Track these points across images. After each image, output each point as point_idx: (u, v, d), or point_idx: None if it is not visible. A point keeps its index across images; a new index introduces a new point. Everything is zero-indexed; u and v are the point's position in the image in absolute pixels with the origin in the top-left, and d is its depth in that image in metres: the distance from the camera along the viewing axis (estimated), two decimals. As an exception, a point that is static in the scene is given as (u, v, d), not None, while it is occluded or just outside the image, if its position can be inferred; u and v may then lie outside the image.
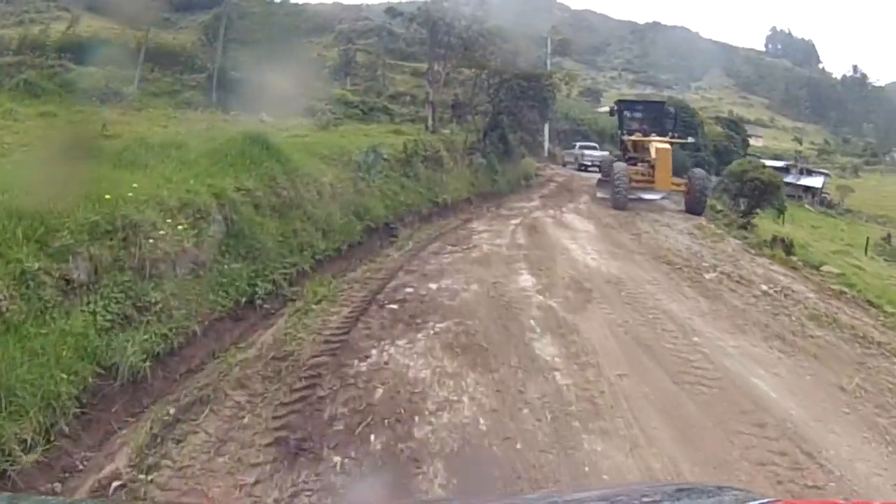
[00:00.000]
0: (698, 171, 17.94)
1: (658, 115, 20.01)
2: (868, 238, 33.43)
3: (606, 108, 66.87)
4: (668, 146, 17.31)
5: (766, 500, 1.41)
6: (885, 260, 30.74)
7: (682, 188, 17.33)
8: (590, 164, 29.70)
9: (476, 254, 10.63)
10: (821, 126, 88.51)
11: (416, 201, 14.50)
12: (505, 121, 24.12)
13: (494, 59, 22.36)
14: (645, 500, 1.49)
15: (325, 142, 14.28)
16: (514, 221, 14.02)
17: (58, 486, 3.76)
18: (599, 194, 18.79)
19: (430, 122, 21.66)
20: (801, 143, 64.79)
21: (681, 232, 14.16)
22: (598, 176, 25.21)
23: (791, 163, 54.44)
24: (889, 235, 37.38)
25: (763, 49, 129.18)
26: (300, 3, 62.71)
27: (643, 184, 17.21)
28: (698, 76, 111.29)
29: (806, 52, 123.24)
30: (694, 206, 16.92)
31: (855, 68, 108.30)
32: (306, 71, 35.51)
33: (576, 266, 9.77)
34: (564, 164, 33.89)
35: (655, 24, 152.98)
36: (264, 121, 21.83)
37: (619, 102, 21.63)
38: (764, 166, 22.30)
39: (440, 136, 20.42)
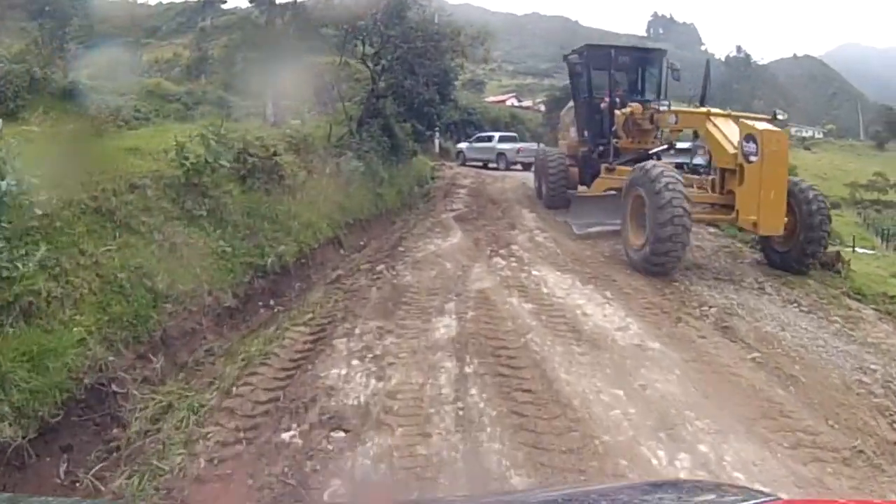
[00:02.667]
0: (805, 185, 8.39)
1: (645, 73, 12.17)
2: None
3: (495, 98, 59.87)
4: (777, 129, 7.95)
5: (766, 499, 1.32)
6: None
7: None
8: (522, 161, 22.32)
9: None
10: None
11: (209, 278, 6.34)
12: (389, 105, 16.24)
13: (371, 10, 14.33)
14: (644, 497, 1.42)
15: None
16: (442, 326, 5.54)
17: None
18: (577, 229, 10.15)
19: (268, 111, 13.22)
20: (699, 124, 61.62)
21: (781, 305, 6.97)
22: (515, 173, 18.09)
23: (698, 143, 50.75)
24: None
25: (645, 34, 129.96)
26: (164, 2, 64.16)
27: (710, 215, 8.65)
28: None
29: (688, 35, 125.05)
30: (798, 257, 8.25)
31: (739, 48, 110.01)
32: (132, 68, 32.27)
33: None
34: (465, 163, 26.30)
35: (534, 14, 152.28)
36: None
37: (588, 49, 12.45)
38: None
39: (285, 130, 12.05)
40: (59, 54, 26.52)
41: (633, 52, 12.54)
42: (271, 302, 7.12)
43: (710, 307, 6.61)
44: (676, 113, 9.58)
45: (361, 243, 10.63)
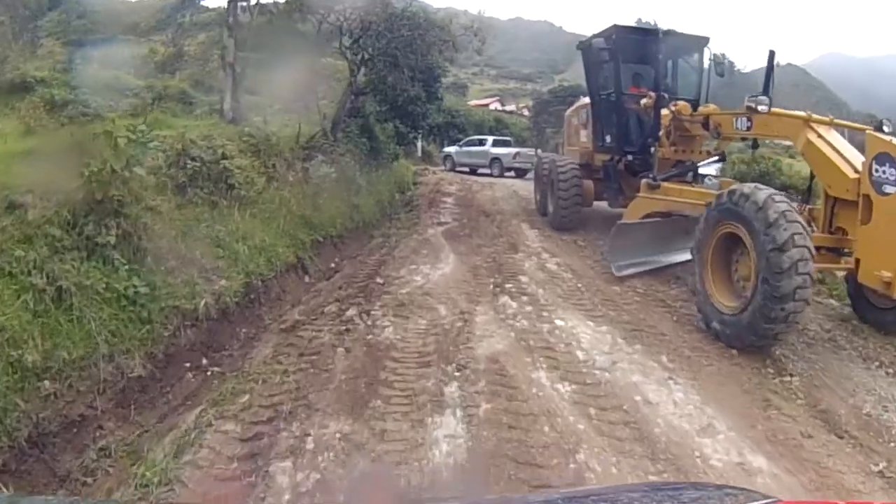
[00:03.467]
0: None
1: (677, 64, 9.86)
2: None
3: (478, 102, 57.17)
4: None
5: (766, 501, 1.27)
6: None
7: None
8: (517, 167, 20.90)
9: None
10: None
11: (109, 336, 4.59)
12: (370, 103, 14.46)
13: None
14: (644, 499, 1.40)
15: None
16: (443, 436, 3.44)
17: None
18: (617, 269, 7.50)
19: (226, 105, 11.33)
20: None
21: (864, 366, 5.35)
22: (505, 179, 16.64)
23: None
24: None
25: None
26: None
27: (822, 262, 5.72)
28: (562, 69, 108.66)
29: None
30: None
31: (722, 56, 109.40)
32: (103, 64, 30.37)
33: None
34: (454, 168, 24.61)
35: (518, 19, 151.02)
36: None
37: (618, 32, 9.84)
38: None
39: (243, 129, 10.11)
40: (29, 48, 25.07)
41: (673, 38, 9.78)
42: (204, 361, 5.25)
43: (792, 376, 4.93)
44: (773, 115, 6.83)
45: (332, 266, 8.79)
